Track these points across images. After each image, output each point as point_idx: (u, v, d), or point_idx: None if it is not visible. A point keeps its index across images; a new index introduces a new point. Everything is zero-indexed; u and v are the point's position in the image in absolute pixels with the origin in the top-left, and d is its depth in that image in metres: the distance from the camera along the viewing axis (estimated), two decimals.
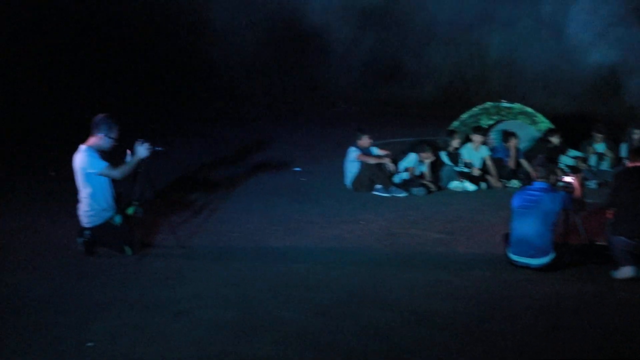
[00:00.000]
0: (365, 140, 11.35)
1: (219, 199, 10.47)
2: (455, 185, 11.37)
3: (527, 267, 7.09)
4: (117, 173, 7.40)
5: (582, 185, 7.74)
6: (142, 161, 7.50)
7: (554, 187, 7.41)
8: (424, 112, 22.35)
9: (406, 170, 11.37)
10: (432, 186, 11.20)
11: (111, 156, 7.62)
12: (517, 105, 13.12)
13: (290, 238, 8.45)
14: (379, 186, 11.00)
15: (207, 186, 11.28)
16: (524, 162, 11.99)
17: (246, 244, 8.16)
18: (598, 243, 7.49)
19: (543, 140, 12.46)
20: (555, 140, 12.27)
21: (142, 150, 7.45)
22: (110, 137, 7.48)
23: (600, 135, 12.38)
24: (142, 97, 21.72)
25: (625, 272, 6.77)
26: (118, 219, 7.47)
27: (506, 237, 7.46)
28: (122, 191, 7.69)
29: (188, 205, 9.98)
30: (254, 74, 23.93)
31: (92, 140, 7.48)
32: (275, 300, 6.25)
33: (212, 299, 6.27)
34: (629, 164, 7.37)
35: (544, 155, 10.57)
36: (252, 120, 19.87)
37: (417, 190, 10.98)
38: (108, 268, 7.12)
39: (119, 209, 7.55)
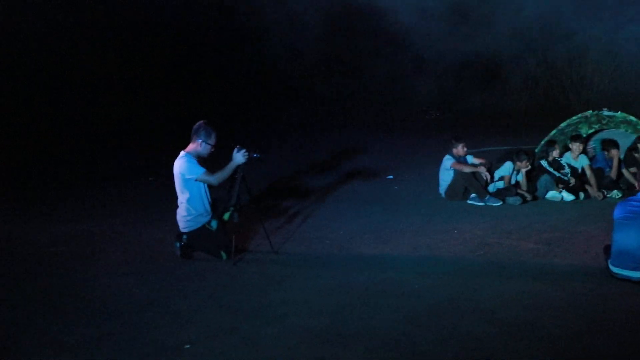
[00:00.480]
0: (460, 149, 11.23)
1: (312, 206, 10.58)
2: (552, 195, 11.09)
3: (628, 280, 6.84)
4: (214, 179, 7.59)
5: None
6: (239, 167, 7.66)
7: None
8: (519, 120, 21.97)
9: (501, 179, 11.18)
10: (528, 196, 10.97)
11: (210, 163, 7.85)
12: (619, 114, 12.69)
13: (382, 246, 8.44)
14: (473, 195, 10.86)
15: (300, 193, 11.41)
16: (626, 173, 11.60)
17: (338, 252, 8.21)
18: None
19: (631, 149, 12.02)
20: None
21: (239, 156, 7.61)
22: (208, 144, 7.69)
23: None
24: (232, 103, 22.22)
25: None
26: (214, 224, 7.67)
27: (607, 249, 7.23)
28: (218, 197, 7.89)
29: (282, 211, 10.14)
30: (341, 80, 24.06)
31: (191, 147, 7.71)
32: (367, 308, 6.24)
33: (305, 305, 6.33)
34: None
35: None
36: (342, 128, 19.97)
37: (513, 200, 10.77)
38: (204, 272, 7.30)
39: (215, 214, 7.75)
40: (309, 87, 24.27)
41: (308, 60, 24.19)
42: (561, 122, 12.78)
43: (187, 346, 5.42)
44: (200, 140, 7.65)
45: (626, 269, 6.83)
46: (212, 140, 7.72)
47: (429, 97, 24.85)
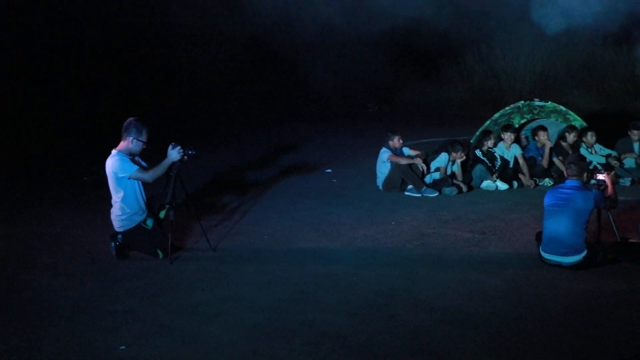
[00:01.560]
0: (396, 141, 11.34)
1: (250, 201, 10.54)
2: (487, 184, 11.30)
3: (559, 265, 7.02)
4: (147, 176, 7.47)
5: (614, 182, 7.63)
6: (174, 164, 7.56)
7: (586, 185, 7.34)
8: (456, 112, 22.31)
9: (437, 170, 11.33)
10: (463, 186, 11.14)
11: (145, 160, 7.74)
12: (549, 104, 12.99)
13: (321, 240, 8.46)
14: (410, 186, 10.98)
15: (239, 189, 11.35)
16: (556, 161, 11.88)
17: (277, 246, 8.19)
18: (631, 240, 7.41)
19: (561, 137, 12.34)
20: (571, 137, 12.15)
21: (174, 153, 7.50)
22: (140, 141, 7.55)
23: (636, 132, 12.22)
24: (171, 101, 21.97)
25: None
26: (150, 223, 7.56)
27: (538, 236, 7.41)
28: (154, 195, 7.78)
29: (219, 208, 10.07)
30: (280, 74, 24.03)
31: (122, 145, 7.56)
32: (307, 302, 6.26)
33: (243, 301, 6.30)
34: None
35: (576, 153, 10.52)
36: (281, 123, 19.95)
37: (449, 190, 10.93)
38: (140, 272, 7.19)
39: (150, 212, 7.64)
40: (247, 81, 24.18)
41: (246, 54, 24.13)
42: (495, 112, 13.04)
43: (122, 347, 5.33)
44: (131, 138, 7.51)
45: (557, 254, 7.01)
46: (144, 137, 7.59)
47: (368, 91, 25.03)
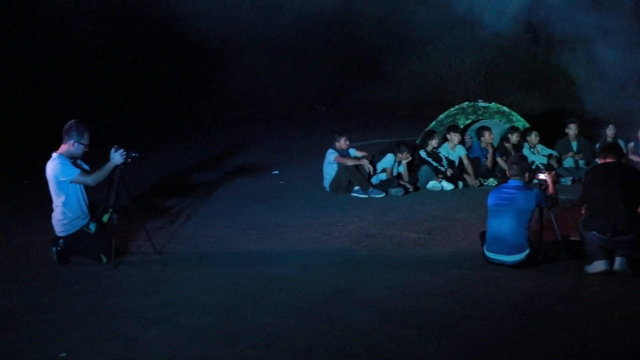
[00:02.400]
0: (342, 142, 11.37)
1: (197, 204, 10.45)
2: (432, 185, 11.41)
3: (503, 264, 7.12)
4: (90, 180, 7.33)
5: (555, 182, 7.77)
6: (117, 167, 7.44)
7: (528, 184, 7.47)
8: (403, 113, 22.46)
9: (384, 171, 11.40)
10: (409, 186, 11.24)
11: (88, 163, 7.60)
12: (493, 105, 13.19)
13: (268, 242, 8.44)
14: (357, 188, 11.03)
15: (185, 191, 11.25)
16: (500, 161, 12.07)
17: (224, 249, 8.14)
18: (572, 239, 7.55)
19: (504, 139, 12.56)
20: (513, 138, 12.38)
21: (117, 156, 7.39)
22: (81, 144, 7.40)
23: (573, 127, 12.52)
24: (118, 102, 21.65)
25: (598, 266, 6.83)
26: (92, 227, 7.42)
27: (482, 235, 7.51)
28: (96, 199, 7.65)
29: (165, 211, 9.97)
30: (228, 76, 23.84)
31: (63, 148, 7.40)
32: (254, 305, 6.22)
33: (190, 305, 6.23)
34: (599, 160, 7.42)
35: (518, 153, 10.69)
36: (227, 124, 19.82)
37: (395, 191, 11.01)
38: (83, 277, 7.06)
39: (93, 216, 7.50)
40: (191, 81, 23.96)
41: (188, 53, 23.90)
42: (441, 113, 13.18)
43: (63, 354, 5.22)
44: (72, 141, 7.36)
45: (500, 253, 7.12)
46: (85, 140, 7.44)
47: (315, 92, 25.03)
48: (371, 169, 11.25)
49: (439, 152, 11.79)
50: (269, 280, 6.89)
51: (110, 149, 7.45)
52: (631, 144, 12.26)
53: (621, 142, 11.96)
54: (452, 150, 11.93)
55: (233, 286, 6.73)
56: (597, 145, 10.82)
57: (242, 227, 9.15)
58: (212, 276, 7.05)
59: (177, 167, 13.50)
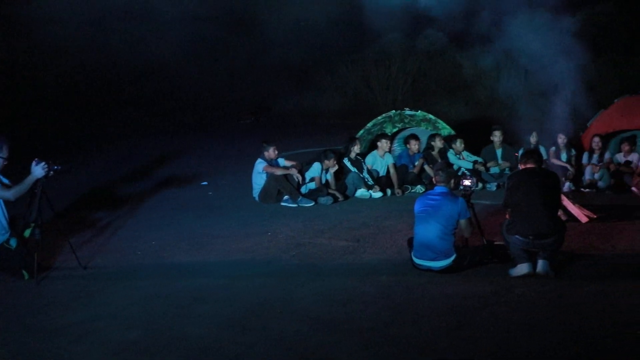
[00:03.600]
0: (271, 152, 11.37)
1: (123, 216, 10.29)
2: (361, 193, 11.51)
3: (430, 270, 7.23)
4: (10, 195, 7.12)
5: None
6: (39, 181, 7.25)
7: (454, 191, 7.61)
8: (331, 122, 22.56)
9: (312, 180, 11.44)
10: (339, 195, 11.30)
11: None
12: (419, 113, 13.41)
13: (196, 253, 8.37)
14: (286, 197, 11.04)
15: (111, 204, 11.06)
16: (427, 168, 12.25)
17: (151, 262, 8.03)
18: (496, 243, 7.72)
19: (428, 147, 12.78)
20: (437, 144, 12.61)
21: (38, 169, 7.20)
22: (0, 157, 7.21)
23: (497, 133, 12.83)
24: (41, 113, 21.15)
25: (521, 269, 7.01)
26: (13, 243, 7.22)
27: (410, 242, 7.60)
28: (17, 213, 7.44)
29: (90, 224, 9.78)
30: (156, 85, 23.57)
31: None
32: (182, 317, 6.15)
33: (116, 319, 6.12)
34: (520, 166, 7.62)
35: (444, 160, 10.90)
36: (154, 134, 19.56)
37: (324, 200, 11.06)
38: (4, 294, 6.87)
39: (14, 231, 7.29)
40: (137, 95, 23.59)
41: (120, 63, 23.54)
42: (369, 122, 13.33)
43: None
44: None
45: (427, 259, 7.23)
46: (5, 153, 7.23)
47: (245, 102, 24.94)
48: (300, 178, 11.29)
49: (362, 161, 11.92)
50: (197, 292, 6.82)
51: (32, 162, 7.26)
52: (552, 149, 12.66)
53: (542, 149, 12.34)
54: (381, 157, 12.06)
55: (160, 299, 6.65)
56: (520, 152, 11.11)
57: (170, 238, 9.05)
58: (139, 289, 6.94)
59: (104, 179, 13.25)
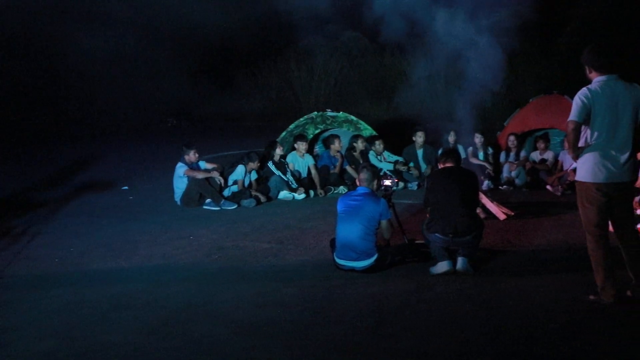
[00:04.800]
0: (192, 155, 11.26)
1: (40, 223, 10.01)
2: (284, 195, 11.51)
3: (353, 270, 7.27)
4: None
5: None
6: None
7: (376, 191, 7.67)
8: (254, 124, 22.54)
9: (235, 183, 11.37)
10: (262, 197, 11.27)
11: None
12: (341, 114, 13.48)
13: (116, 259, 8.20)
14: (208, 200, 10.95)
15: (27, 211, 10.76)
16: (349, 169, 12.33)
17: (69, 269, 7.82)
18: (417, 242, 7.83)
19: (350, 148, 12.89)
20: (359, 145, 12.74)
21: None
22: None
23: (420, 134, 13.02)
24: None
25: (442, 267, 7.12)
26: None
27: (333, 243, 7.63)
28: None
29: (6, 232, 9.48)
30: (74, 89, 23.01)
31: None
32: (102, 325, 6.00)
33: (31, 329, 5.92)
34: (439, 165, 7.75)
35: (367, 162, 10.99)
36: (72, 138, 19.14)
37: (247, 202, 11.01)
38: None
39: None
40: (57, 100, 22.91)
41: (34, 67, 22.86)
42: (291, 123, 13.34)
43: None
44: None
45: (350, 260, 7.27)
46: None
47: (166, 105, 24.62)
48: (222, 181, 11.21)
49: (286, 163, 11.92)
50: (117, 298, 6.68)
51: None
52: (470, 148, 12.93)
53: (460, 148, 12.59)
54: (302, 158, 12.09)
55: (78, 306, 6.47)
56: (439, 152, 11.32)
57: (89, 245, 8.85)
58: (56, 297, 6.74)
59: (20, 185, 12.87)
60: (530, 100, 13.97)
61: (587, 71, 6.08)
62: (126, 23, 20.69)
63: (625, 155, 5.90)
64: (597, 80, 5.97)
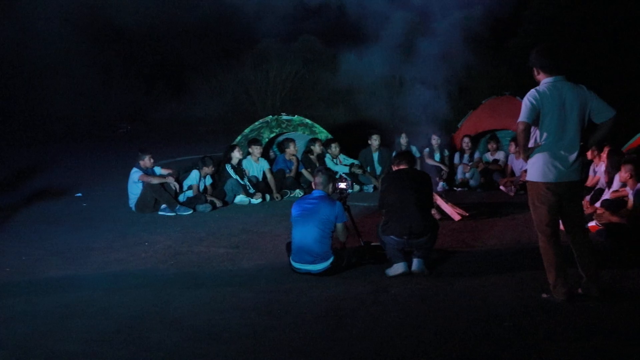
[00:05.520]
0: (147, 161, 11.16)
1: None
2: (240, 199, 11.47)
3: (309, 273, 7.28)
4: None
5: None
6: None
7: (332, 194, 7.69)
8: (210, 129, 22.44)
9: (190, 188, 11.30)
10: (217, 202, 11.22)
11: None
12: (296, 118, 13.50)
13: (70, 267, 8.07)
14: (163, 206, 10.86)
15: None
16: (305, 172, 12.35)
17: (20, 278, 7.65)
18: (373, 244, 7.86)
19: (306, 152, 12.93)
20: (316, 149, 12.79)
21: None
22: None
23: (375, 137, 13.11)
24: None
25: (397, 268, 7.17)
26: None
27: (289, 246, 7.63)
28: None
29: None
30: (21, 92, 22.59)
31: None
32: (54, 334, 5.90)
33: None
34: (393, 167, 7.80)
35: (323, 165, 11.02)
36: (24, 145, 18.81)
37: (203, 207, 10.95)
38: None
39: None
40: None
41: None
42: (247, 128, 13.32)
43: None
44: None
45: (306, 263, 7.28)
46: None
47: (120, 110, 24.38)
48: (177, 186, 11.13)
49: (244, 168, 11.89)
50: (71, 307, 6.57)
51: None
52: (426, 150, 13.06)
53: (414, 149, 12.72)
54: (256, 163, 12.07)
55: (31, 316, 6.35)
56: (394, 154, 11.41)
57: (42, 253, 8.69)
58: (7, 308, 6.59)
59: None
60: (483, 102, 14.16)
61: (535, 73, 6.19)
62: (75, 25, 20.38)
63: (574, 155, 6.02)
64: (544, 81, 6.09)
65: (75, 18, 20.11)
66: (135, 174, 11.01)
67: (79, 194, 12.67)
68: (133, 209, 11.06)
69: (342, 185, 7.96)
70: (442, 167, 12.81)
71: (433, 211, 8.71)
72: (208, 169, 11.42)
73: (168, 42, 24.19)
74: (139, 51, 25.13)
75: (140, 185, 10.95)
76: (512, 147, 12.42)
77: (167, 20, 22.85)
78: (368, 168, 12.99)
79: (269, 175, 12.01)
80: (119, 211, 11.18)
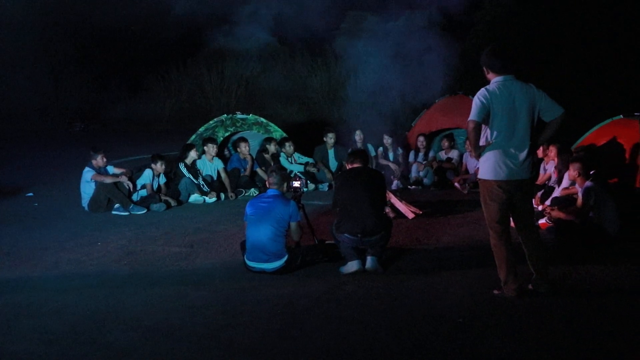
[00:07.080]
0: (99, 160, 11.04)
1: None
2: (194, 198, 11.42)
3: (263, 272, 7.29)
4: None
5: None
6: None
7: (286, 193, 7.72)
8: (164, 127, 22.29)
9: (144, 187, 11.22)
10: (171, 201, 11.15)
11: None
12: (251, 117, 13.49)
13: (21, 267, 7.94)
14: (117, 205, 10.75)
15: None
16: (259, 171, 12.35)
17: None
18: (327, 242, 7.90)
19: (261, 150, 12.93)
20: (272, 148, 12.80)
21: None
22: None
23: (330, 135, 13.15)
24: None
25: (351, 266, 7.22)
26: None
27: (243, 245, 7.63)
28: None
29: None
30: None
31: None
32: (4, 335, 5.82)
33: None
34: (347, 165, 7.84)
35: (277, 164, 11.04)
36: None
37: (157, 206, 10.88)
38: None
39: None
40: None
41: None
42: (202, 127, 13.27)
43: None
44: None
45: (260, 261, 7.29)
46: None
47: (72, 108, 24.05)
48: (130, 185, 11.03)
49: (197, 168, 11.83)
50: (22, 308, 6.48)
51: None
52: (380, 149, 13.17)
53: (370, 147, 12.81)
54: (211, 162, 12.03)
55: None
56: (349, 151, 11.48)
57: None
58: None
59: None
60: (436, 101, 14.30)
61: (485, 72, 6.30)
62: (25, 21, 20.07)
63: (524, 153, 6.13)
64: (494, 81, 6.20)
65: (26, 14, 19.81)
66: (87, 174, 10.88)
67: (30, 194, 12.47)
68: (86, 208, 10.93)
69: (296, 184, 7.99)
70: (391, 166, 12.88)
71: (387, 209, 8.78)
72: (158, 168, 11.33)
73: (122, 40, 23.96)
74: (93, 49, 24.83)
75: (93, 185, 10.83)
76: (468, 144, 12.59)
77: (121, 19, 22.66)
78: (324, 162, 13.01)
79: (223, 175, 11.98)
80: (72, 211, 11.03)
